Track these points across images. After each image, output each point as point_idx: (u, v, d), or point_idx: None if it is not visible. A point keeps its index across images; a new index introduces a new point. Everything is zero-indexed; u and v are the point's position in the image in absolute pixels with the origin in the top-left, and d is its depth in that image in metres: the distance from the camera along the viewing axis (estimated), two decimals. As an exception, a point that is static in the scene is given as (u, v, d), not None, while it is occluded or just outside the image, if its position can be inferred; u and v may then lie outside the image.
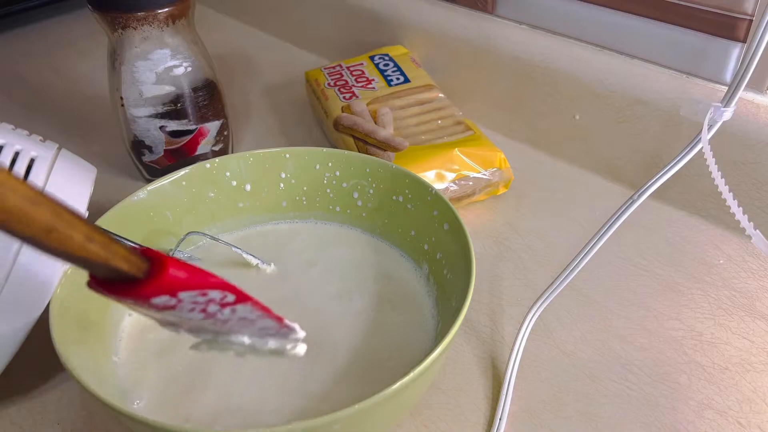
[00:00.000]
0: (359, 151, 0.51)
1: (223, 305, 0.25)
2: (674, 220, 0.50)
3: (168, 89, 0.49)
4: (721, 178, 0.34)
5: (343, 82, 0.58)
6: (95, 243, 0.20)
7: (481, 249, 0.47)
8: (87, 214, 0.35)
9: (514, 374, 0.38)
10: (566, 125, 0.55)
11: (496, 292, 0.44)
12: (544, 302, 0.39)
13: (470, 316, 0.42)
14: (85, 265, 0.21)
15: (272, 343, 0.28)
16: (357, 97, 0.56)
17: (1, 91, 0.68)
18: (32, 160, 0.34)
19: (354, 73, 0.59)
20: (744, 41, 0.45)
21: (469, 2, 0.59)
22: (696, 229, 0.49)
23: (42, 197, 0.18)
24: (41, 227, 0.18)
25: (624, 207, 0.36)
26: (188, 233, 0.41)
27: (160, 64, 0.48)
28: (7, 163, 0.33)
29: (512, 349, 0.39)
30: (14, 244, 0.32)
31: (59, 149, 0.36)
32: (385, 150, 0.50)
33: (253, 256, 0.42)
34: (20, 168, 0.33)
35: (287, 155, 0.44)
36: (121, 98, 0.49)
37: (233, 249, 0.42)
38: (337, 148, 0.52)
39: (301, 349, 0.29)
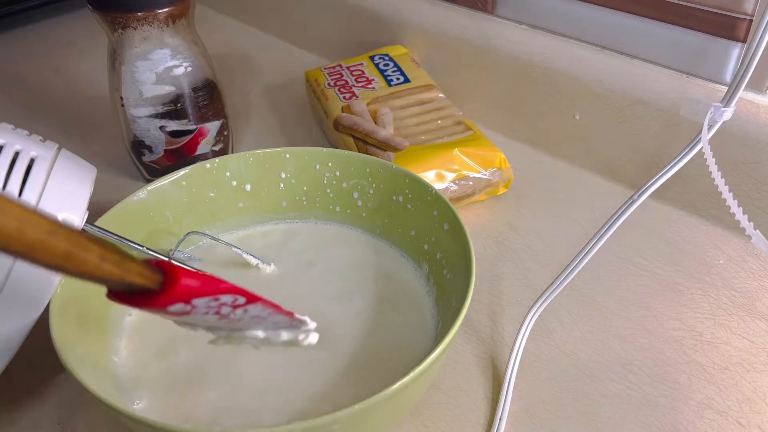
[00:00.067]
0: (359, 151, 0.51)
1: (235, 307, 0.27)
2: (674, 220, 0.50)
3: (168, 89, 0.49)
4: (721, 178, 0.34)
5: (343, 82, 0.58)
6: (110, 262, 0.21)
7: (481, 249, 0.47)
8: (87, 214, 0.35)
9: (514, 374, 0.38)
10: (566, 125, 0.55)
11: (496, 292, 0.44)
12: (544, 302, 0.39)
13: (470, 316, 0.42)
14: (103, 283, 0.22)
15: (285, 335, 0.30)
16: (357, 97, 0.56)
17: (1, 91, 0.68)
18: (32, 160, 0.33)
19: (354, 73, 0.59)
20: (744, 41, 0.45)
21: (469, 2, 0.59)
22: (696, 229, 0.49)
23: (58, 227, 0.19)
24: (59, 255, 0.19)
25: (624, 207, 0.36)
26: (188, 233, 0.41)
27: (160, 64, 0.48)
28: (7, 163, 0.33)
29: (512, 349, 0.39)
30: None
31: (59, 149, 0.36)
32: (385, 150, 0.50)
33: (253, 256, 0.42)
34: (20, 168, 0.33)
35: (287, 155, 0.44)
36: (121, 98, 0.49)
37: (233, 249, 0.42)
38: (337, 148, 0.52)
39: (314, 338, 0.31)
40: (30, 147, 0.34)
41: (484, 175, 0.50)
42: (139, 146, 0.51)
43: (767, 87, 0.45)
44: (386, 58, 0.61)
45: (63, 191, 0.34)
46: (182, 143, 0.51)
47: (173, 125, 0.50)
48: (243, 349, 0.37)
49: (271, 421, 0.33)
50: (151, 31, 0.47)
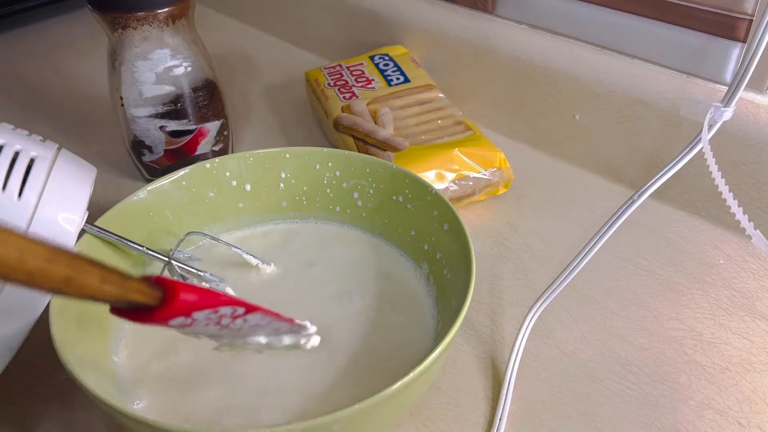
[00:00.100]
0: (359, 151, 0.51)
1: (235, 317, 0.28)
2: (674, 220, 0.50)
3: (168, 89, 0.49)
4: (721, 178, 0.34)
5: (343, 82, 0.58)
6: (110, 283, 0.22)
7: (481, 249, 0.47)
8: (87, 214, 0.35)
9: (514, 374, 0.38)
10: (566, 125, 0.55)
11: (496, 292, 0.44)
12: (544, 302, 0.39)
13: (470, 316, 0.42)
14: (104, 302, 0.23)
15: (287, 340, 0.31)
16: (357, 97, 0.56)
17: (1, 91, 0.68)
18: (32, 160, 0.33)
19: (354, 73, 0.59)
20: (744, 41, 0.45)
21: (469, 2, 0.59)
22: (696, 229, 0.49)
23: (58, 253, 0.20)
24: (60, 280, 0.20)
25: (624, 207, 0.36)
26: (188, 233, 0.41)
27: (160, 64, 0.48)
28: (7, 162, 0.33)
29: (512, 349, 0.39)
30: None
31: (59, 149, 0.36)
32: (385, 150, 0.50)
33: (253, 256, 0.42)
34: (20, 168, 0.33)
35: (287, 155, 0.44)
36: (121, 98, 0.49)
37: (233, 249, 0.42)
38: (337, 148, 0.52)
39: (316, 340, 0.32)
40: (30, 147, 0.34)
41: (484, 175, 0.50)
42: (139, 146, 0.51)
43: (767, 87, 0.45)
44: (386, 58, 0.61)
45: (63, 191, 0.34)
46: (182, 143, 0.51)
47: (173, 125, 0.50)
48: (243, 349, 0.37)
49: (271, 421, 0.33)
50: (151, 31, 0.47)
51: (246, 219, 0.45)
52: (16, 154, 0.33)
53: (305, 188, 0.44)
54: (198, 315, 0.26)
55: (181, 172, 0.42)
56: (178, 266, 0.39)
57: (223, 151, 0.54)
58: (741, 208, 0.34)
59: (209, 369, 0.35)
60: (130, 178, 0.55)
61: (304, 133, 0.61)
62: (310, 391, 0.34)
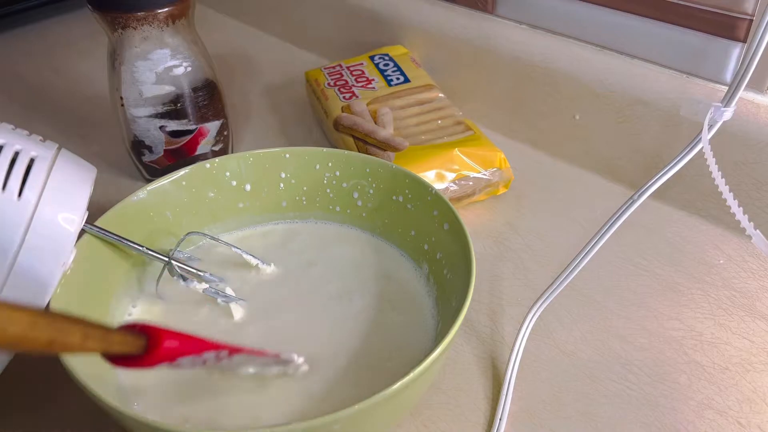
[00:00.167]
0: (359, 151, 0.51)
1: (220, 359, 0.29)
2: (674, 220, 0.50)
3: (168, 89, 0.49)
4: (721, 178, 0.34)
5: (343, 82, 0.58)
6: (92, 339, 0.23)
7: (481, 249, 0.47)
8: (87, 214, 0.35)
9: (514, 374, 0.38)
10: (566, 125, 0.55)
11: (496, 292, 0.44)
12: (544, 302, 0.39)
13: (470, 316, 0.42)
14: (89, 355, 0.24)
15: (275, 370, 0.32)
16: (357, 97, 0.56)
17: (1, 91, 0.68)
18: (32, 160, 0.33)
19: (354, 73, 0.59)
20: (744, 41, 0.45)
21: (469, 2, 0.59)
22: (696, 229, 0.49)
23: (38, 318, 0.21)
24: (42, 343, 0.21)
25: (624, 207, 0.36)
26: (188, 233, 0.41)
27: (160, 64, 0.48)
28: (7, 162, 0.33)
29: (512, 349, 0.39)
30: (14, 245, 0.32)
31: (59, 149, 0.36)
32: (385, 150, 0.50)
33: (253, 256, 0.42)
34: (20, 168, 0.33)
35: (287, 155, 0.44)
36: (121, 98, 0.49)
37: (233, 249, 0.42)
38: (337, 148, 0.52)
39: (305, 368, 0.33)
40: (30, 147, 0.34)
41: (484, 175, 0.50)
42: (139, 146, 0.51)
43: (767, 87, 0.45)
44: (386, 58, 0.61)
45: (63, 191, 0.34)
46: (182, 143, 0.51)
47: (173, 125, 0.50)
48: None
49: (271, 421, 0.33)
50: (151, 31, 0.47)
51: (246, 219, 0.45)
52: (16, 154, 0.33)
53: (305, 188, 0.44)
54: (182, 360, 0.27)
55: (181, 172, 0.42)
56: (178, 266, 0.39)
57: (223, 151, 0.54)
58: (741, 208, 0.34)
59: (209, 370, 0.35)
60: (130, 178, 0.55)
61: (304, 133, 0.61)
62: (310, 391, 0.34)
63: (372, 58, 0.61)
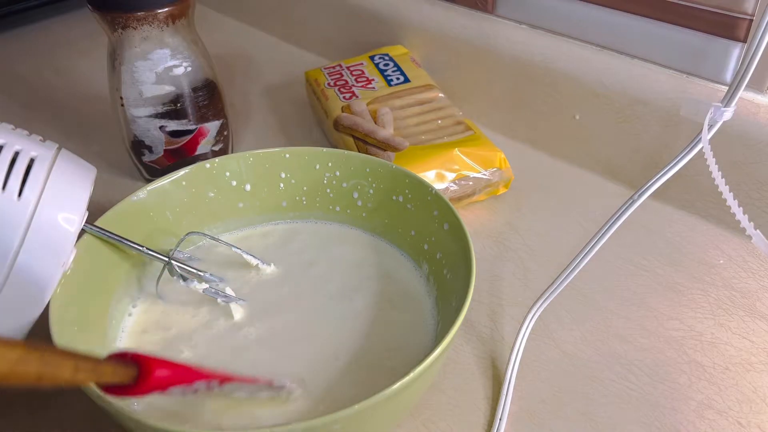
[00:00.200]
0: (359, 151, 0.51)
1: (210, 388, 0.30)
2: (674, 220, 0.50)
3: (168, 89, 0.49)
4: (721, 178, 0.34)
5: (343, 82, 0.58)
6: (83, 371, 0.23)
7: (481, 249, 0.47)
8: (87, 214, 0.35)
9: (514, 374, 0.38)
10: (566, 125, 0.55)
11: (496, 292, 0.44)
12: (544, 302, 0.39)
13: (470, 316, 0.42)
14: (80, 386, 0.25)
15: (266, 394, 0.32)
16: (357, 97, 0.56)
17: (1, 91, 0.68)
18: (32, 160, 0.33)
19: (354, 73, 0.59)
20: (744, 41, 0.45)
21: (469, 2, 0.59)
22: (696, 229, 0.49)
23: (26, 353, 0.21)
24: (32, 378, 0.21)
25: (624, 207, 0.36)
26: (188, 233, 0.41)
27: (160, 64, 0.48)
28: (7, 162, 0.33)
29: (512, 349, 0.39)
30: (14, 244, 0.32)
31: (59, 149, 0.36)
32: (385, 150, 0.50)
33: (253, 256, 0.42)
34: (20, 168, 0.33)
35: (287, 155, 0.44)
36: (121, 98, 0.49)
37: (233, 249, 0.42)
38: (337, 148, 0.52)
39: (297, 392, 0.33)
40: (30, 147, 0.34)
41: (484, 175, 0.50)
42: (139, 146, 0.51)
43: (767, 87, 0.45)
44: (386, 58, 0.61)
45: (63, 191, 0.34)
46: (182, 143, 0.51)
47: (173, 125, 0.50)
48: (244, 349, 0.37)
49: (271, 421, 0.33)
50: (151, 31, 0.47)
51: (246, 219, 0.45)
52: (16, 154, 0.33)
53: (305, 188, 0.44)
54: (174, 389, 0.27)
55: (181, 172, 0.42)
56: (178, 266, 0.39)
57: (223, 151, 0.54)
58: (741, 208, 0.34)
59: (210, 369, 0.35)
60: (130, 178, 0.55)
61: (304, 133, 0.61)
62: (310, 391, 0.34)
63: (372, 58, 0.61)
